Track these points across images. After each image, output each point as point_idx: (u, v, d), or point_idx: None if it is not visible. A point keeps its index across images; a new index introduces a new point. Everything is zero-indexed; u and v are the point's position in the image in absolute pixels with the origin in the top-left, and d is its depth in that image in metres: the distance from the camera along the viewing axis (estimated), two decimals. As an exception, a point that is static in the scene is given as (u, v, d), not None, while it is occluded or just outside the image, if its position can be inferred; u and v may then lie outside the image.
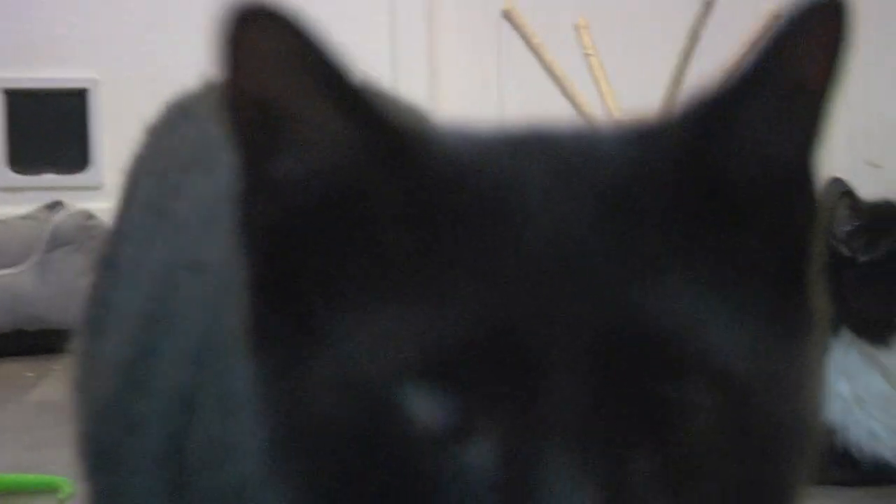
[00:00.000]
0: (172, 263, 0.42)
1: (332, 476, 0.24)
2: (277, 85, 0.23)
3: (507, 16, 1.59)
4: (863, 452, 1.39)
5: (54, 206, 2.30)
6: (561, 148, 0.26)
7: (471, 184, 0.24)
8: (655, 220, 0.24)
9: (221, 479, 0.32)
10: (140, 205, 0.49)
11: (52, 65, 2.51)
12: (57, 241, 2.19)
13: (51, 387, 1.70)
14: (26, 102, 2.51)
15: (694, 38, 1.50)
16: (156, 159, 0.52)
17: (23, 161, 2.50)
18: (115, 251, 0.49)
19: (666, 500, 0.22)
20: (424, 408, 0.22)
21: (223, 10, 0.22)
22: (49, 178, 2.51)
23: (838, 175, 1.37)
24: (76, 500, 1.13)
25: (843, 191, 1.32)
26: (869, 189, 1.41)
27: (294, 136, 0.24)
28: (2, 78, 2.49)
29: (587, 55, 1.60)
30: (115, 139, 2.14)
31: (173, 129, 0.53)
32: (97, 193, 2.37)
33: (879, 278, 1.31)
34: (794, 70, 0.24)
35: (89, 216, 2.23)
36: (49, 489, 1.23)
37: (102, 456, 0.43)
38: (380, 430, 0.22)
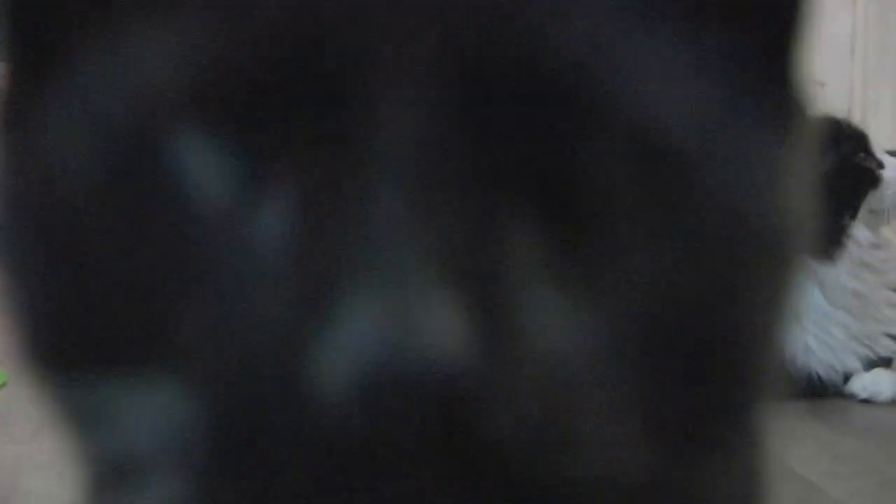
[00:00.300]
0: None
1: (80, 254, 0.17)
2: None
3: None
4: (796, 367, 1.43)
5: None
6: None
7: None
8: None
9: None
10: None
11: None
12: None
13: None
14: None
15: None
16: None
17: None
18: None
19: (561, 294, 0.15)
20: (199, 162, 0.16)
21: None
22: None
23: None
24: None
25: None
26: (812, 106, 1.39)
27: None
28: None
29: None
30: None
31: None
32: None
33: (824, 194, 1.29)
34: None
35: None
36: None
37: None
38: (142, 196, 0.16)
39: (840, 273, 1.46)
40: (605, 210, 0.16)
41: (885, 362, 1.56)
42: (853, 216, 1.48)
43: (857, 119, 1.90)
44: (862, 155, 1.53)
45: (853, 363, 1.54)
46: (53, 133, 0.17)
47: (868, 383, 1.50)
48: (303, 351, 0.14)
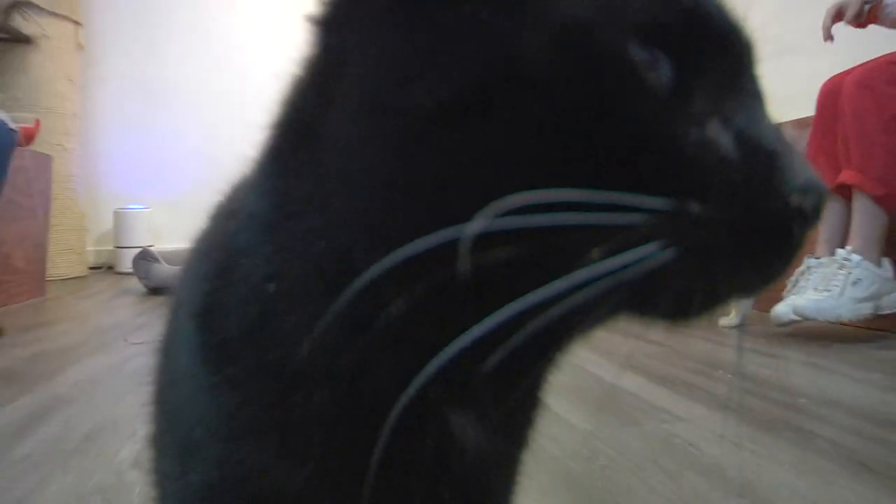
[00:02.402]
0: None
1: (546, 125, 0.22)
2: None
3: None
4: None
5: None
6: None
7: None
8: None
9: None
10: None
11: None
12: None
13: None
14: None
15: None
16: None
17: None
18: None
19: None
20: (649, 64, 0.22)
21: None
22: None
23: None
24: None
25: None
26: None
27: None
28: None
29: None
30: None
31: None
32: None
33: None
34: None
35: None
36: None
37: None
38: (607, 81, 0.22)
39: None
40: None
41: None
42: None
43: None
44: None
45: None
46: (527, 38, 0.22)
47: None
48: None
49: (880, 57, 1.77)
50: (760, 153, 0.23)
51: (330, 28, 0.27)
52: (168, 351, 0.34)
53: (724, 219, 0.22)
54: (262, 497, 0.27)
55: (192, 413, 0.30)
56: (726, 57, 0.25)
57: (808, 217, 0.23)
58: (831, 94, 1.85)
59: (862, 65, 1.80)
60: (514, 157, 0.22)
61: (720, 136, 0.23)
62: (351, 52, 0.25)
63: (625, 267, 0.21)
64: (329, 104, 0.25)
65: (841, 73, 1.87)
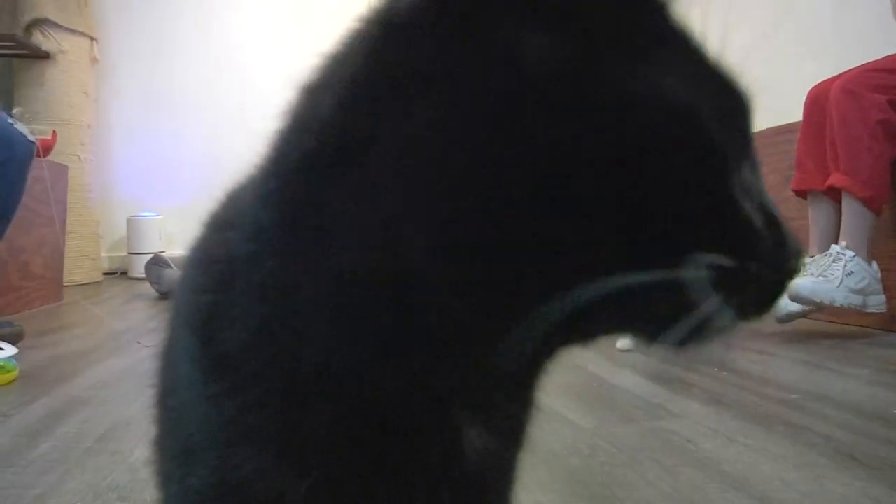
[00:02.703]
0: None
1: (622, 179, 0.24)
2: None
3: None
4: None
5: None
6: None
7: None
8: None
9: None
10: None
11: None
12: None
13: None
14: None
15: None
16: None
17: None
18: None
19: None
20: (721, 141, 0.25)
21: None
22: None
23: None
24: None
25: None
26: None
27: None
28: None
29: None
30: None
31: None
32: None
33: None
34: None
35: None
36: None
37: None
38: (685, 145, 0.25)
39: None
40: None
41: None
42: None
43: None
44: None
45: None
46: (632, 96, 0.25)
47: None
48: None
49: (866, 64, 1.80)
50: (773, 220, 0.27)
51: (400, 35, 0.25)
52: (168, 357, 0.34)
53: (763, 276, 0.27)
54: (263, 501, 0.27)
55: (192, 418, 0.30)
56: (744, 120, 0.28)
57: (795, 274, 0.29)
58: (818, 100, 1.88)
59: (847, 71, 1.82)
60: (592, 216, 0.24)
61: (752, 201, 0.27)
62: (426, 74, 0.24)
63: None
64: (387, 122, 0.25)
65: (827, 80, 1.89)
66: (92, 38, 3.58)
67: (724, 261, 0.25)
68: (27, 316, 2.32)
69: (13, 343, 1.58)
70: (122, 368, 1.52)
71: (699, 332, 0.25)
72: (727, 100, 0.27)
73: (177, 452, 0.31)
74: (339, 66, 0.27)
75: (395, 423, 0.27)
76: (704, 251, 0.25)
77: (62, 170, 2.87)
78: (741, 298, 0.26)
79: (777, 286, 0.28)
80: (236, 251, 0.28)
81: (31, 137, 1.86)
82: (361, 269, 0.25)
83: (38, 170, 2.36)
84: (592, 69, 0.24)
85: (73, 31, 3.42)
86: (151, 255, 2.96)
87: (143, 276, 3.00)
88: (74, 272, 3.27)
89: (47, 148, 2.62)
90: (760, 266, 0.26)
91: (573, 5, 0.25)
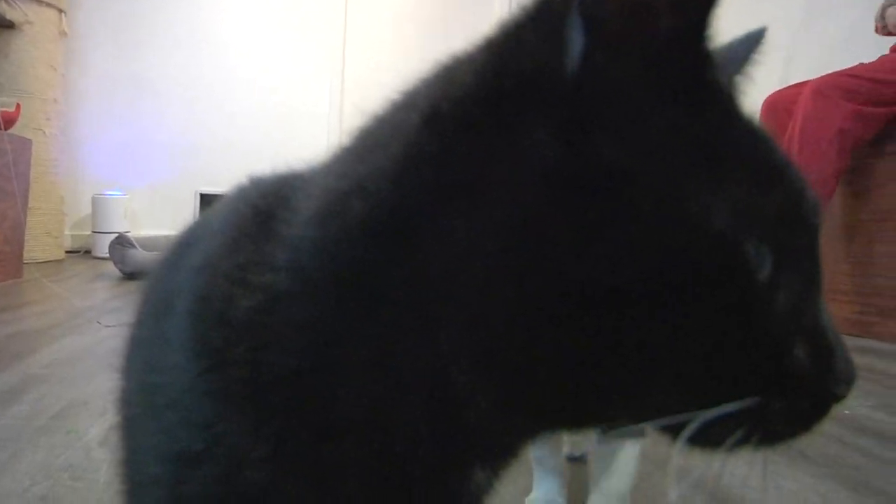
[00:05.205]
0: None
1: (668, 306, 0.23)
2: None
3: None
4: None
5: None
6: None
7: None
8: None
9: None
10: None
11: None
12: None
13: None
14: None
15: None
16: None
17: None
18: None
19: None
20: (755, 259, 0.24)
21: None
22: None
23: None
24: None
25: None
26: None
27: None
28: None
29: None
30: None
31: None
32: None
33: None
34: None
35: None
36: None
37: None
38: (723, 271, 0.23)
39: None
40: None
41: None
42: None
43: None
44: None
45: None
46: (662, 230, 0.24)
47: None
48: None
49: (843, 70, 1.82)
50: (823, 350, 0.26)
51: (482, 126, 0.24)
52: (152, 344, 0.31)
53: (796, 411, 0.26)
54: None
55: (194, 425, 0.27)
56: (806, 236, 0.26)
57: (842, 400, 0.27)
58: (774, 108, 1.91)
59: (826, 75, 1.85)
60: (639, 344, 0.23)
61: (797, 329, 0.26)
62: (467, 181, 0.24)
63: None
64: (432, 221, 0.24)
65: (785, 88, 1.92)
66: (60, 11, 3.44)
67: (748, 402, 0.24)
68: (-16, 291, 2.22)
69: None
70: (81, 347, 1.46)
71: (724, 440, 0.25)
72: (792, 211, 0.26)
73: (167, 456, 0.28)
74: (394, 133, 0.26)
75: (417, 475, 0.27)
76: (731, 393, 0.24)
77: (26, 143, 2.75)
78: (767, 430, 0.25)
79: (816, 415, 0.26)
80: (279, 283, 0.26)
81: (-7, 108, 1.78)
82: (406, 361, 0.25)
83: (0, 142, 2.25)
84: (653, 188, 0.23)
85: (40, 2, 3.27)
86: (116, 235, 2.86)
87: (107, 255, 2.90)
88: (36, 249, 3.15)
89: (10, 120, 2.51)
90: (793, 400, 0.25)
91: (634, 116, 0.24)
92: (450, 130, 0.25)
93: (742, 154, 0.25)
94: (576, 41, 0.23)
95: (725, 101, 0.26)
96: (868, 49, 1.94)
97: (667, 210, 0.23)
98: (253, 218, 0.29)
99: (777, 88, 1.98)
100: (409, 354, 0.25)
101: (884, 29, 1.94)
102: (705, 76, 0.25)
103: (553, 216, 0.23)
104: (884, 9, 1.93)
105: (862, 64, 1.84)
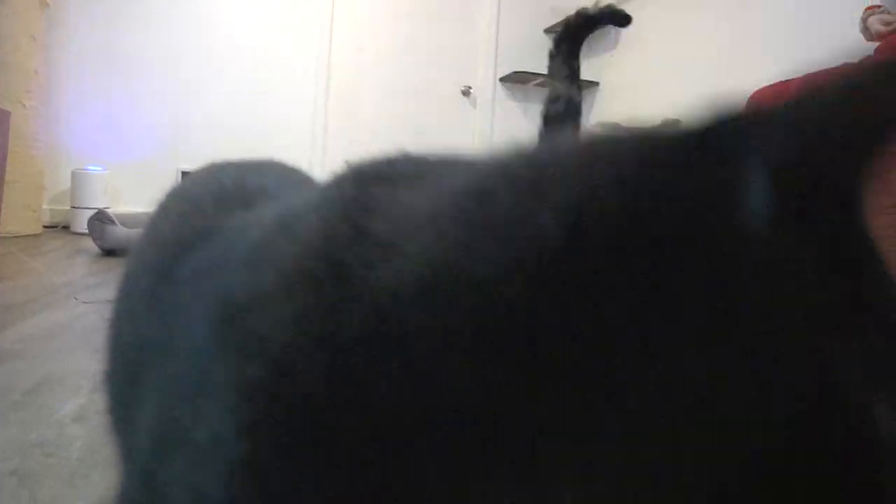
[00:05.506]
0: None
1: None
2: None
3: None
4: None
5: None
6: None
7: None
8: None
9: None
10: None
11: None
12: None
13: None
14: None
15: None
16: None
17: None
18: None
19: None
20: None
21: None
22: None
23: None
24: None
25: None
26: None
27: None
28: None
29: None
30: None
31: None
32: None
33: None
34: None
35: None
36: None
37: None
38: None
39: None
40: None
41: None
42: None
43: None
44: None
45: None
46: None
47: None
48: None
49: (828, 69, 1.83)
50: None
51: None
52: (174, 331, 0.29)
53: None
54: None
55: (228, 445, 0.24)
56: None
57: None
58: (758, 104, 1.92)
59: (811, 73, 1.86)
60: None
61: None
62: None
63: None
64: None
65: (769, 85, 1.94)
66: (43, -20, 3.36)
67: None
68: (-42, 263, 2.18)
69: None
70: (56, 323, 1.43)
71: None
72: None
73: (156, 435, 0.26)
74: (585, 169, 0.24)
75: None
76: None
77: (4, 115, 2.69)
78: None
79: None
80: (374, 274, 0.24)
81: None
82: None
83: (-23, 112, 2.20)
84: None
85: (22, -28, 3.20)
86: (96, 211, 2.82)
87: (86, 231, 2.86)
88: (12, 223, 3.09)
89: (-12, 91, 2.45)
90: None
91: None
92: None
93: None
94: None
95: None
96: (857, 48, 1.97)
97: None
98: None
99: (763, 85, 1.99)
100: None
101: (868, 37, 1.97)
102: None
103: None
104: (864, 19, 1.96)
105: (847, 63, 1.86)
